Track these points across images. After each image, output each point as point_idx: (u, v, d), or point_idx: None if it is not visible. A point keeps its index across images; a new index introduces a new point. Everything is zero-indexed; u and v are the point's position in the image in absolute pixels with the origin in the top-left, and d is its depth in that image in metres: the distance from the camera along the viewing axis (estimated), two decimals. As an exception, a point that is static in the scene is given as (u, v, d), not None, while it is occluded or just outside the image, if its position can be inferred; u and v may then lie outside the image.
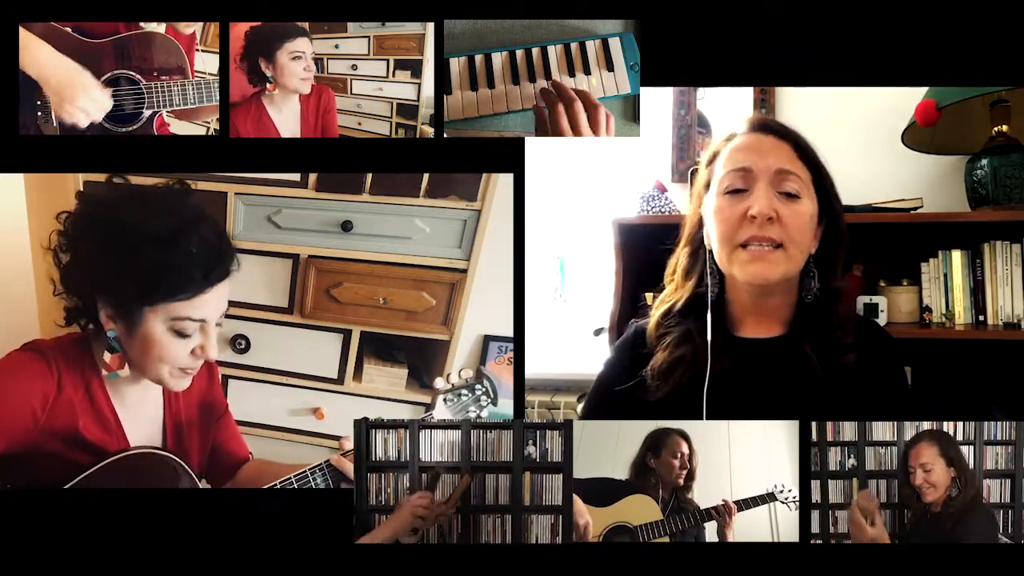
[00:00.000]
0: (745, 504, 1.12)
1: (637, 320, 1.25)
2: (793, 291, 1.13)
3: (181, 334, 1.12)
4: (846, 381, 1.08)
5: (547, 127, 1.21)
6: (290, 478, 1.21)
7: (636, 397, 1.13)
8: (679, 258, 1.19)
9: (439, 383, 1.36)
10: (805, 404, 1.10)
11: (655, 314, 1.18)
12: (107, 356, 1.14)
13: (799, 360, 1.09)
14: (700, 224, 1.15)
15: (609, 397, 1.17)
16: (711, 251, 1.12)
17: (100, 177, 1.27)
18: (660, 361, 1.12)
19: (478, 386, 1.35)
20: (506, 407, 1.34)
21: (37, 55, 1.23)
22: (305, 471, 1.21)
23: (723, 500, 1.13)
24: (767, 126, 1.13)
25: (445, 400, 1.33)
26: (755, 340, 1.13)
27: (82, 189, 1.24)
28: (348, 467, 1.19)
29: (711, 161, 1.14)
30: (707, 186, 1.14)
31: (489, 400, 1.34)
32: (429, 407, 1.38)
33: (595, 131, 1.21)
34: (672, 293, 1.18)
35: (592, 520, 1.13)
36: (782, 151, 1.10)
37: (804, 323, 1.12)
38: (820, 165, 1.13)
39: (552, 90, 1.22)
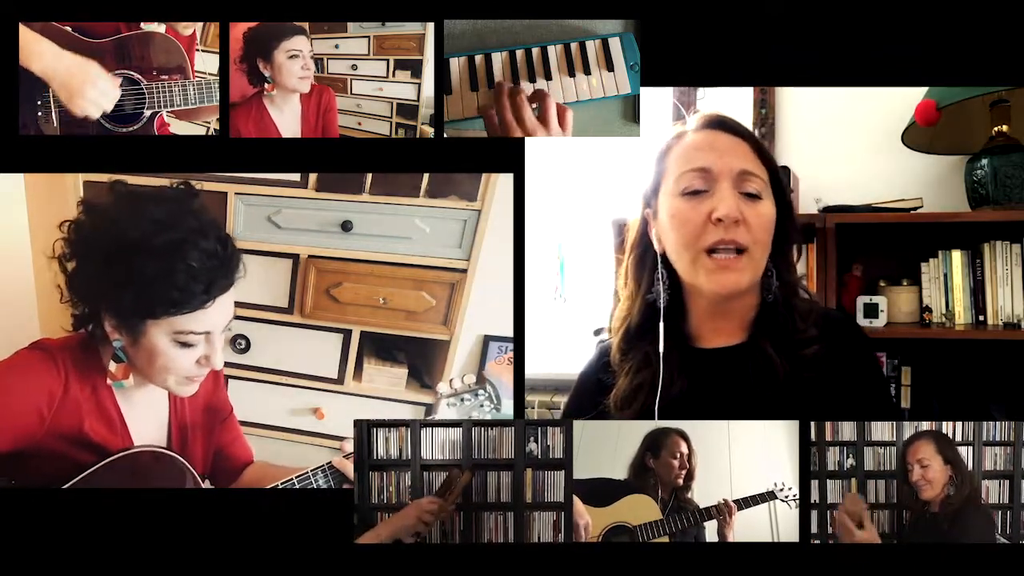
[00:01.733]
0: (745, 503, 1.12)
1: (603, 340, 1.20)
2: (754, 293, 1.08)
3: (185, 345, 1.12)
4: (809, 374, 1.03)
5: (495, 127, 1.19)
6: (292, 479, 1.21)
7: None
8: (626, 266, 1.13)
9: (442, 388, 1.36)
10: (769, 406, 1.05)
11: (615, 339, 1.13)
12: (113, 366, 1.14)
13: (761, 362, 1.04)
14: (645, 227, 1.11)
15: (580, 415, 1.15)
16: (662, 255, 1.07)
17: (101, 177, 1.27)
18: (622, 389, 1.08)
19: (481, 391, 1.34)
20: (506, 407, 1.34)
21: (40, 52, 1.23)
22: (307, 472, 1.21)
23: (723, 499, 1.12)
24: (723, 123, 1.07)
25: (448, 405, 1.33)
26: (715, 351, 1.09)
27: (83, 196, 1.22)
28: (350, 468, 1.19)
29: (661, 159, 1.09)
30: (656, 187, 1.09)
31: (493, 406, 1.33)
32: (432, 410, 1.38)
33: (545, 125, 1.19)
34: (626, 308, 1.13)
35: (592, 520, 1.13)
36: (741, 150, 1.05)
37: (764, 323, 1.07)
38: (775, 163, 1.09)
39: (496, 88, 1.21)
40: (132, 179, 1.24)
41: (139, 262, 1.08)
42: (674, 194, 1.05)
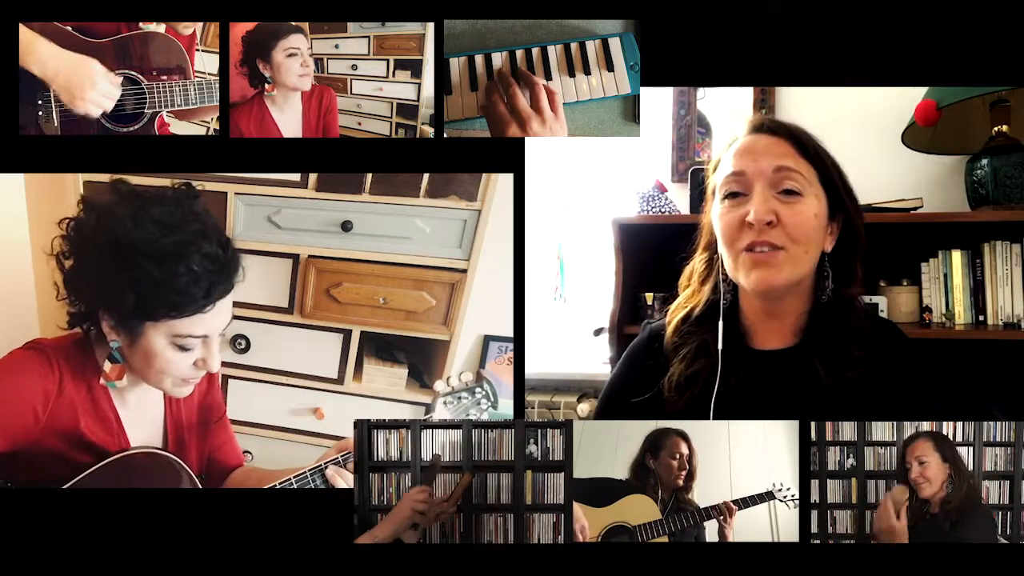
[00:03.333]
0: (744, 503, 1.12)
1: (650, 321, 1.24)
2: (806, 293, 1.10)
3: (183, 348, 1.12)
4: (853, 394, 1.06)
5: (496, 125, 1.20)
6: (290, 479, 1.21)
7: (652, 407, 1.12)
8: (695, 264, 1.17)
9: (439, 386, 1.36)
10: (815, 413, 1.09)
11: (672, 320, 1.16)
12: (108, 366, 1.13)
13: (808, 374, 1.07)
14: (712, 230, 1.14)
15: (622, 406, 1.16)
16: (722, 258, 1.11)
17: (101, 177, 1.27)
18: (677, 374, 1.11)
19: (478, 389, 1.34)
20: (506, 407, 1.34)
21: (40, 52, 1.23)
22: (305, 472, 1.21)
23: (723, 501, 1.12)
24: (763, 126, 1.11)
25: (445, 403, 1.33)
26: (767, 352, 1.12)
27: (83, 192, 1.22)
28: (343, 480, 1.19)
29: (716, 168, 1.13)
30: (713, 192, 1.12)
31: (489, 403, 1.34)
32: (429, 409, 1.38)
33: (538, 111, 1.19)
34: (688, 298, 1.17)
35: (591, 520, 1.13)
36: (779, 148, 1.07)
37: (816, 334, 1.10)
38: (826, 161, 1.09)
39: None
40: (133, 178, 1.23)
41: (141, 264, 1.07)
42: (720, 199, 1.09)
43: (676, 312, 1.17)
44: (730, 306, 1.13)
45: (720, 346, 1.09)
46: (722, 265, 1.11)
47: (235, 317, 1.18)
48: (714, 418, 1.08)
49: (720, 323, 1.10)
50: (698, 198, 1.68)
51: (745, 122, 1.13)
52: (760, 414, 1.09)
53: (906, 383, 1.11)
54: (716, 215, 1.10)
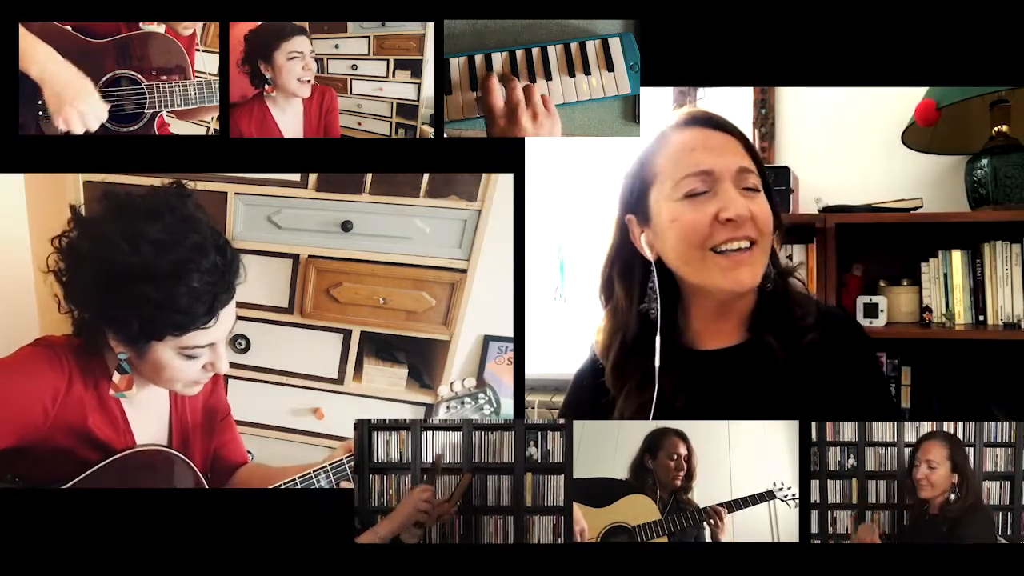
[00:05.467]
0: (744, 502, 1.12)
1: (595, 353, 1.15)
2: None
3: (191, 357, 1.12)
4: (808, 370, 1.02)
5: (492, 118, 1.20)
6: (294, 479, 1.21)
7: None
8: (609, 278, 1.10)
9: (442, 391, 1.36)
10: (769, 404, 1.05)
11: (609, 358, 1.09)
12: (116, 376, 1.13)
13: (762, 355, 1.03)
14: (626, 235, 1.08)
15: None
16: (656, 261, 1.05)
17: (101, 177, 1.27)
18: (628, 412, 1.06)
19: (481, 395, 1.34)
20: (506, 407, 1.34)
21: (38, 57, 1.23)
22: (309, 473, 1.21)
23: (711, 505, 1.12)
24: (710, 120, 1.05)
25: (448, 408, 1.33)
26: (716, 352, 1.07)
27: (74, 206, 1.15)
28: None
29: (646, 163, 1.06)
30: (642, 192, 1.06)
31: (492, 409, 1.33)
32: (432, 413, 1.38)
33: (529, 104, 1.19)
34: (616, 322, 1.10)
35: (590, 520, 1.13)
36: (734, 147, 1.04)
37: (762, 315, 1.06)
38: (759, 154, 1.07)
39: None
40: (127, 180, 1.22)
41: (140, 288, 1.05)
42: (673, 198, 1.02)
43: (607, 342, 1.10)
44: (667, 317, 1.05)
45: (657, 363, 1.03)
46: (655, 271, 1.04)
47: (236, 318, 1.17)
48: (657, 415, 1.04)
49: (657, 337, 1.03)
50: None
51: (680, 114, 1.07)
52: (711, 415, 1.07)
53: (860, 371, 1.08)
54: (669, 216, 1.02)
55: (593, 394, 1.12)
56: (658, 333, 1.04)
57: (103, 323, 1.11)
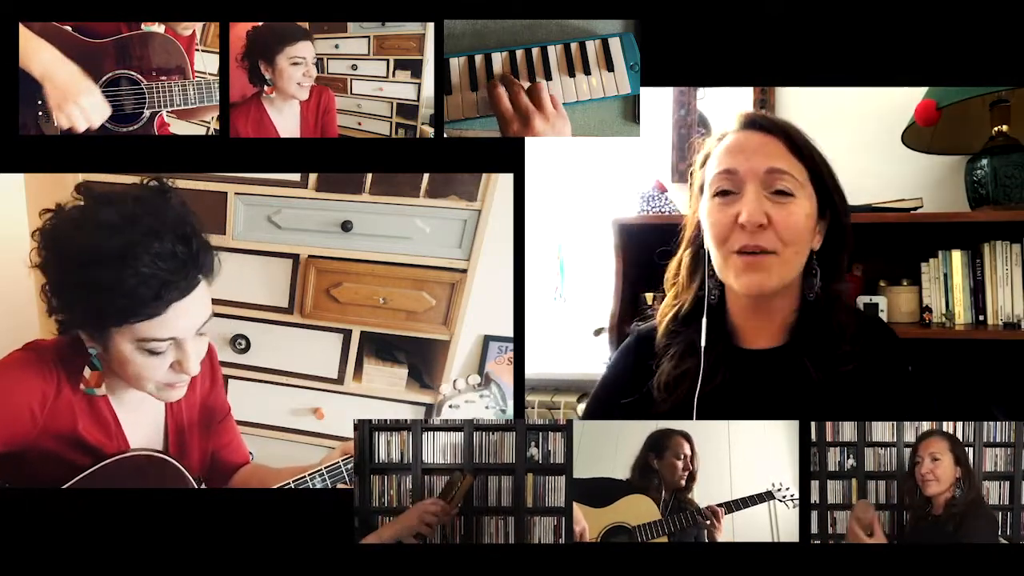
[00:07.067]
0: (743, 503, 1.12)
1: (639, 324, 1.23)
2: (794, 291, 1.09)
3: (152, 352, 1.09)
4: (842, 390, 1.05)
5: (503, 122, 1.21)
6: (289, 483, 1.21)
7: (640, 409, 1.12)
8: (682, 260, 1.16)
9: (445, 388, 1.35)
10: (803, 411, 1.08)
11: (662, 321, 1.16)
12: (87, 372, 1.12)
13: (797, 371, 1.06)
14: (699, 225, 1.13)
15: (612, 406, 1.16)
16: (710, 254, 1.10)
17: (101, 177, 1.27)
18: (666, 374, 1.10)
19: (486, 392, 1.34)
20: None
21: (40, 56, 1.23)
22: (304, 477, 1.21)
23: (708, 506, 1.12)
24: (755, 122, 1.08)
25: (451, 406, 1.32)
26: (755, 351, 1.11)
27: (60, 201, 1.15)
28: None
29: (704, 162, 1.11)
30: (701, 188, 1.11)
31: (498, 407, 1.33)
32: (435, 411, 1.37)
33: (539, 106, 1.19)
34: (675, 297, 1.16)
35: (591, 520, 1.13)
36: (771, 148, 1.05)
37: (804, 332, 1.09)
38: (817, 160, 1.08)
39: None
40: (104, 178, 1.21)
41: (90, 270, 1.04)
42: (710, 196, 1.07)
43: (665, 311, 1.17)
44: (718, 304, 1.11)
45: (703, 344, 1.08)
46: (709, 261, 1.10)
47: (235, 317, 1.17)
48: (697, 418, 1.07)
49: (704, 321, 1.09)
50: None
51: (736, 117, 1.11)
52: (748, 414, 1.09)
53: (897, 380, 1.10)
54: (705, 211, 1.08)
55: (632, 370, 1.16)
56: (704, 316, 1.10)
57: (70, 313, 1.10)
